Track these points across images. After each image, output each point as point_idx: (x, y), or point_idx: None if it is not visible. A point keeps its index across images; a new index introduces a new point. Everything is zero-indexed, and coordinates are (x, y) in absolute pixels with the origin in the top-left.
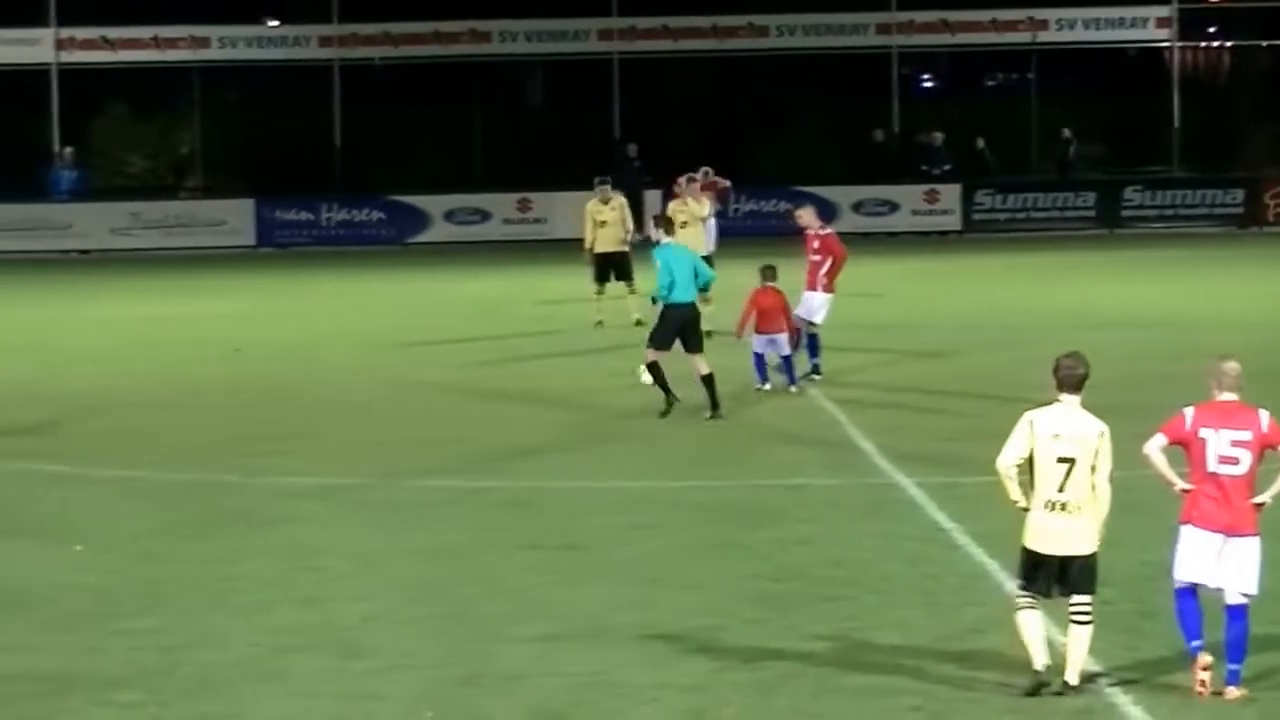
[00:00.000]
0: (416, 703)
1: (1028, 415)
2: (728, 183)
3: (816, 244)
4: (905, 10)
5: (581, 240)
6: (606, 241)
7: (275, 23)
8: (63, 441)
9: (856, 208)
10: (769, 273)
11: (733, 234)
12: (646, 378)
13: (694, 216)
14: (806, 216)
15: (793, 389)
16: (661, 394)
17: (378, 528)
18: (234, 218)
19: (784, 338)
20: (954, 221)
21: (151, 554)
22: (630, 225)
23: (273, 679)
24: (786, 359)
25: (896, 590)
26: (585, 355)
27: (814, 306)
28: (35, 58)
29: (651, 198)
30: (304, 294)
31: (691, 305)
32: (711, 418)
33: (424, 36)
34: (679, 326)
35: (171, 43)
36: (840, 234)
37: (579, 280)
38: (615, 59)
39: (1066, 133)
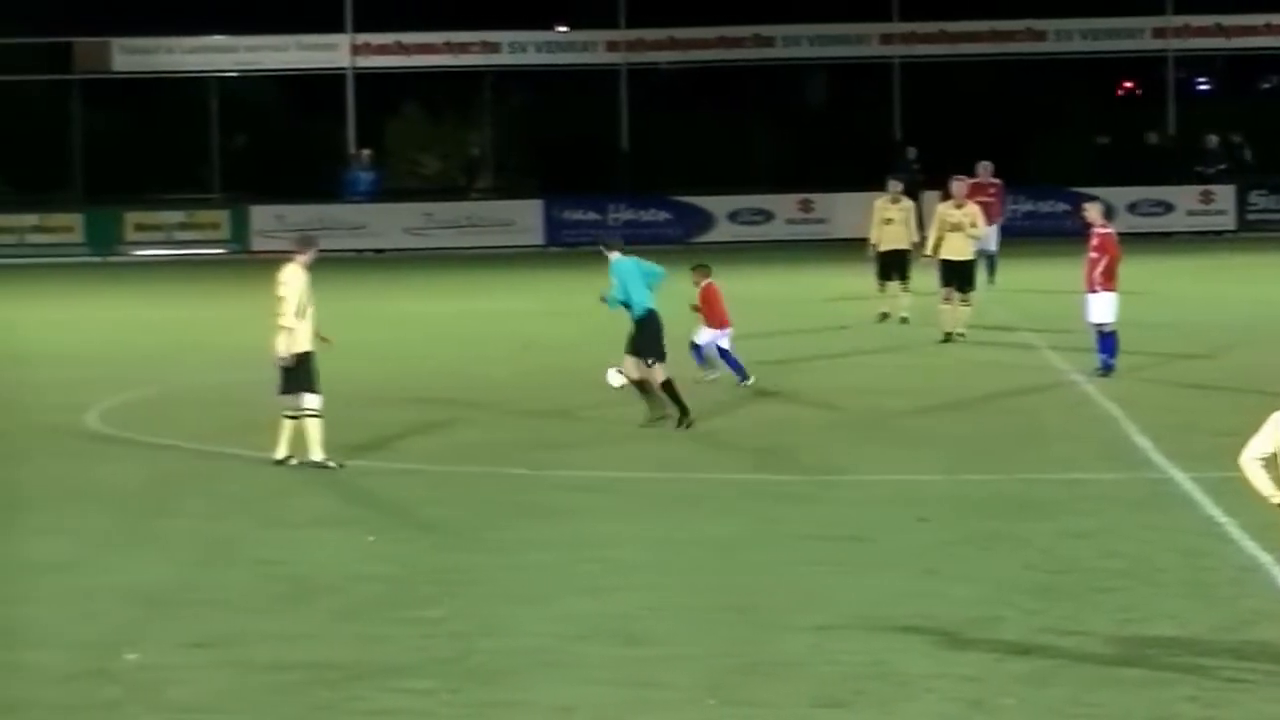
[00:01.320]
0: (699, 691)
1: (1277, 413)
2: (999, 182)
3: (1095, 240)
4: (1181, 14)
5: (864, 239)
6: (892, 240)
7: (564, 28)
8: (355, 434)
9: (1132, 208)
10: (705, 270)
11: (1011, 234)
12: (616, 380)
13: (957, 224)
14: (1093, 212)
15: (711, 378)
16: (674, 406)
17: (662, 519)
18: (523, 218)
19: (730, 332)
20: (1228, 221)
21: (441, 544)
22: (915, 227)
23: (559, 667)
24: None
25: (1171, 582)
26: (866, 352)
27: (1099, 308)
28: (332, 62)
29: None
30: (590, 292)
31: (654, 312)
32: (681, 425)
33: (708, 41)
34: (658, 331)
35: (463, 47)
36: (1117, 234)
37: (860, 279)
38: (895, 63)
39: None
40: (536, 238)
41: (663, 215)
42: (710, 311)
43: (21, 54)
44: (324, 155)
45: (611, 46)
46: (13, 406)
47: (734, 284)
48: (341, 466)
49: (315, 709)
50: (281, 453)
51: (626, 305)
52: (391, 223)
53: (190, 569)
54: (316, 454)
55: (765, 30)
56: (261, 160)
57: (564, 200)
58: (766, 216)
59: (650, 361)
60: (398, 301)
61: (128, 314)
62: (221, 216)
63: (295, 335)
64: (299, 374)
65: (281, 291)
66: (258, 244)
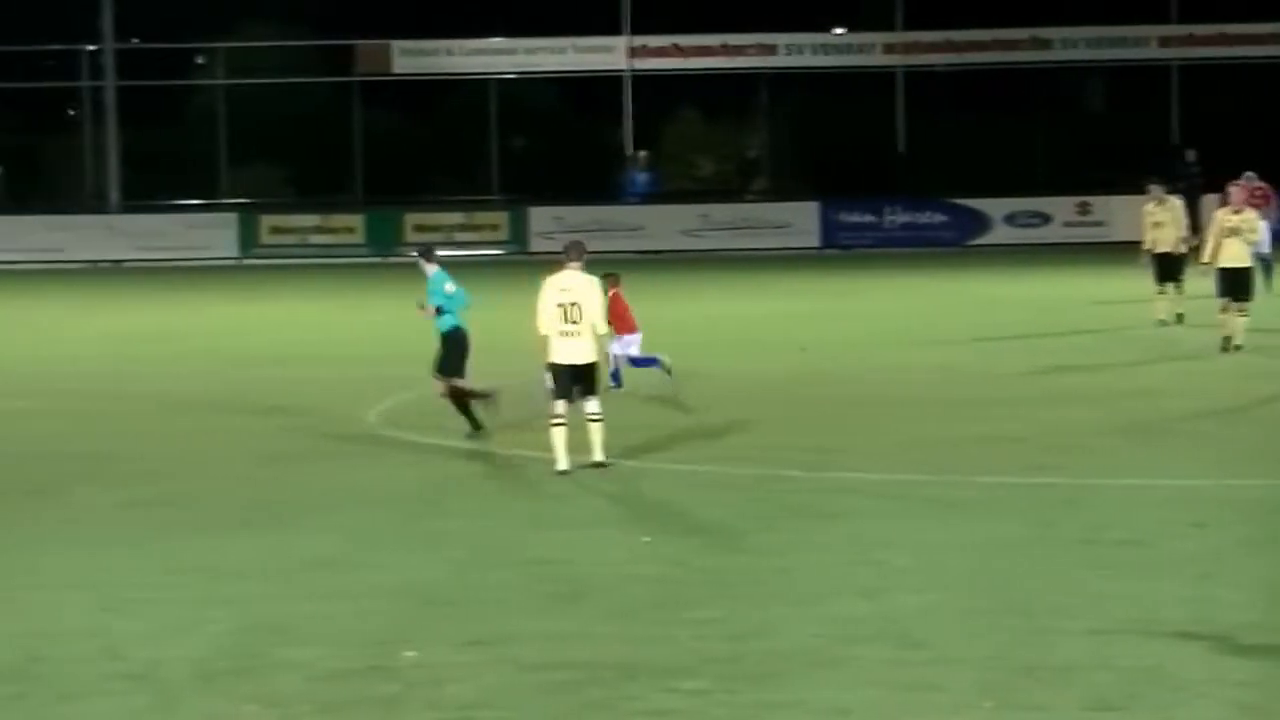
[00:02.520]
0: (974, 694)
1: None
2: (1265, 185)
3: None
4: None
5: (1139, 242)
6: (1163, 242)
7: (841, 30)
8: (629, 435)
9: None
10: (614, 278)
11: None
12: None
13: (1234, 229)
14: None
15: (616, 388)
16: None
17: (936, 522)
18: (799, 220)
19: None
20: None
21: (714, 545)
22: (1185, 228)
23: (833, 668)
24: (639, 359)
25: None
26: (1141, 355)
27: None
28: (610, 65)
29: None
30: (866, 294)
31: (462, 329)
32: (471, 435)
33: (985, 43)
34: (465, 350)
35: (740, 49)
36: None
37: (1136, 282)
38: (1174, 65)
39: None
40: (812, 240)
41: (939, 218)
42: (620, 319)
43: (304, 56)
44: (601, 157)
45: (888, 49)
46: (296, 406)
47: (1011, 287)
48: (610, 465)
49: (589, 708)
50: (562, 465)
51: (440, 311)
52: (668, 224)
53: (465, 568)
54: (597, 454)
55: (1043, 33)
56: (540, 161)
57: (840, 203)
58: (1044, 219)
59: (448, 376)
60: (673, 304)
61: (407, 315)
62: (501, 218)
63: (561, 344)
64: (572, 380)
65: (548, 299)
66: (536, 245)
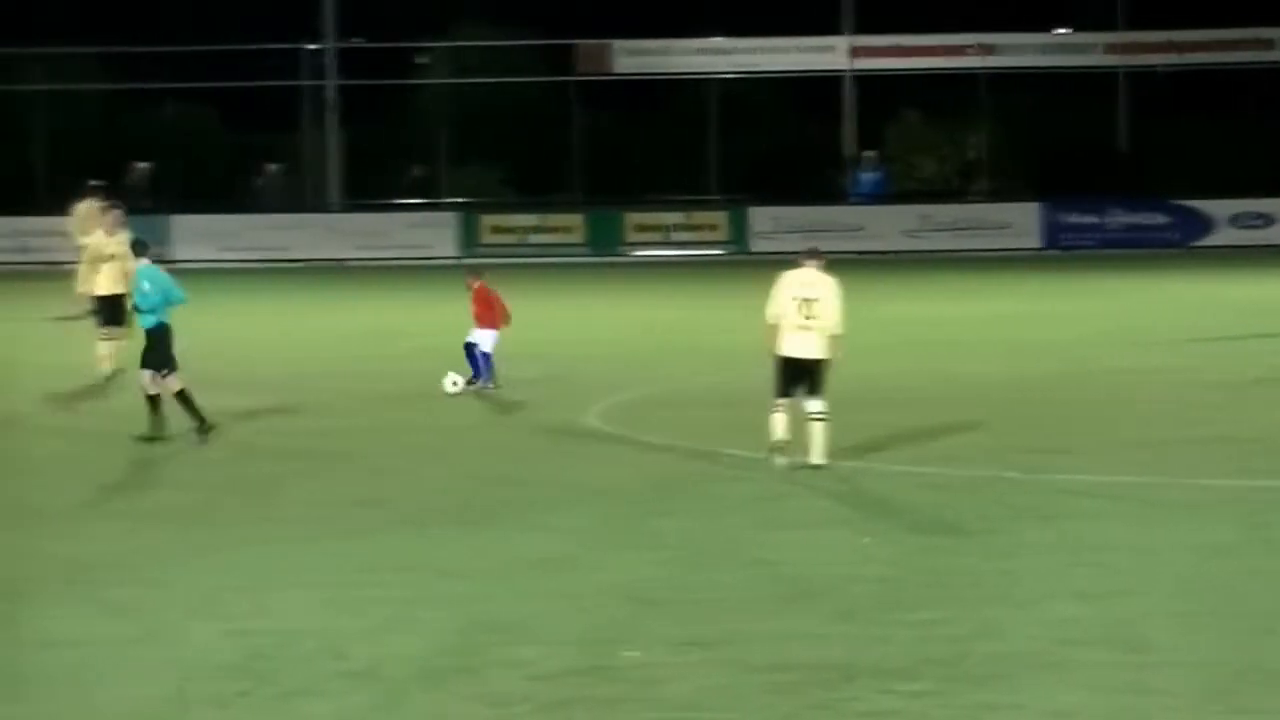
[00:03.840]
0: (1198, 698)
1: None
2: None
3: None
4: None
5: None
6: None
7: (1063, 30)
8: (849, 435)
9: None
10: (477, 272)
11: None
12: (454, 387)
13: None
14: None
15: (489, 386)
16: (192, 416)
17: (1155, 524)
18: (1020, 220)
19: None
20: None
21: (935, 546)
22: None
23: (1055, 671)
24: (487, 356)
25: None
26: None
27: None
28: (831, 64)
29: None
30: (1087, 296)
31: (167, 325)
32: (200, 435)
33: (1207, 44)
34: (170, 342)
35: (961, 50)
36: None
37: None
38: None
39: None
40: (1033, 241)
41: (1161, 219)
42: (487, 312)
43: (524, 55)
44: (822, 157)
45: (1110, 49)
46: (516, 404)
47: (1233, 289)
48: (828, 466)
49: (811, 709)
50: (779, 435)
51: (142, 310)
52: (889, 225)
53: (685, 568)
54: (817, 457)
55: (1265, 33)
56: (760, 162)
57: (1062, 203)
58: (1268, 221)
59: (165, 373)
60: (894, 304)
61: (628, 314)
62: (720, 218)
63: (793, 337)
64: (793, 377)
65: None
66: (756, 245)
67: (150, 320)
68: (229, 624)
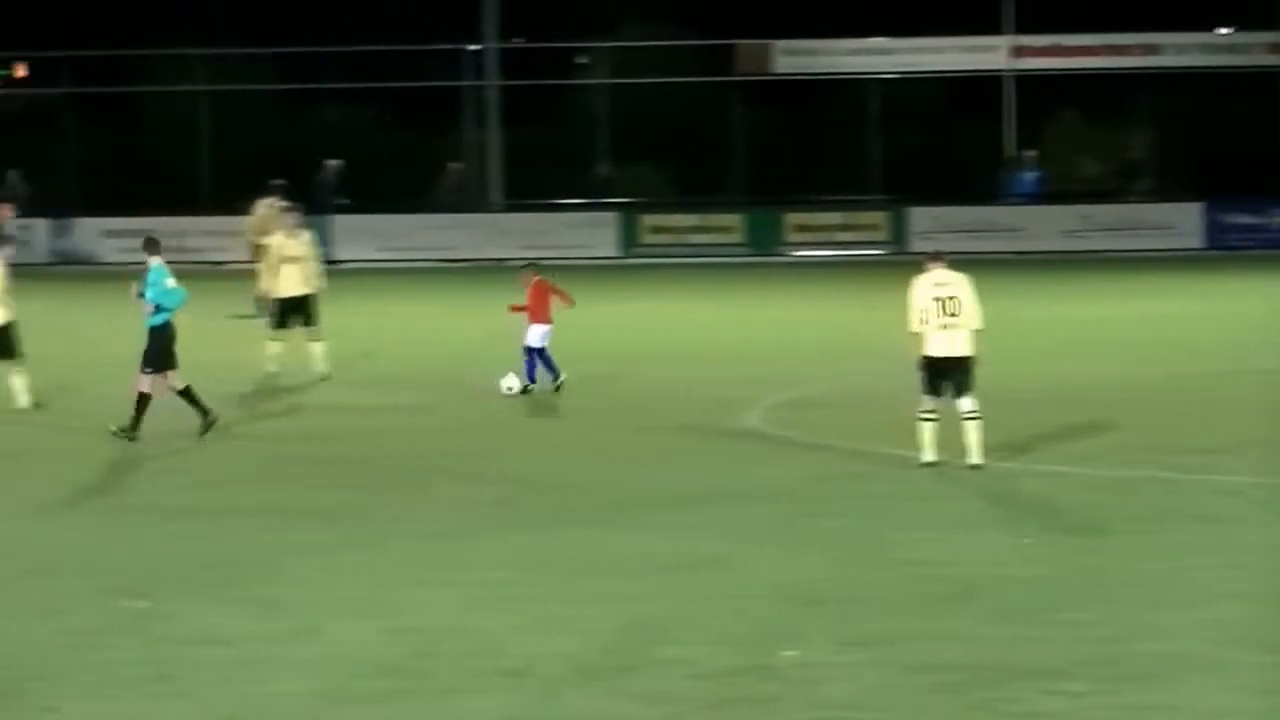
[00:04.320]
0: None
1: None
2: None
3: None
4: None
5: None
6: None
7: (1226, 30)
8: (1005, 435)
9: None
10: (535, 268)
11: None
12: (509, 392)
13: None
14: None
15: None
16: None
17: None
18: (1182, 221)
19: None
20: None
21: (1091, 547)
22: None
23: (1213, 672)
24: (531, 351)
25: None
26: None
27: None
28: (990, 64)
29: None
30: (1249, 296)
31: (171, 324)
32: (206, 428)
33: None
34: (172, 341)
35: (1123, 49)
36: None
37: None
38: None
39: None
40: (1195, 241)
41: None
42: (540, 307)
43: (685, 55)
44: (982, 157)
45: (1273, 49)
46: (675, 404)
47: None
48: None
49: (970, 709)
50: (928, 456)
51: (162, 309)
52: (1049, 225)
53: (844, 568)
54: (974, 457)
55: None
56: (920, 162)
57: (1224, 204)
58: None
59: (157, 371)
60: (1052, 304)
61: (788, 314)
62: (880, 218)
63: (938, 337)
64: (941, 376)
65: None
66: (917, 245)
67: (161, 319)
68: (384, 621)
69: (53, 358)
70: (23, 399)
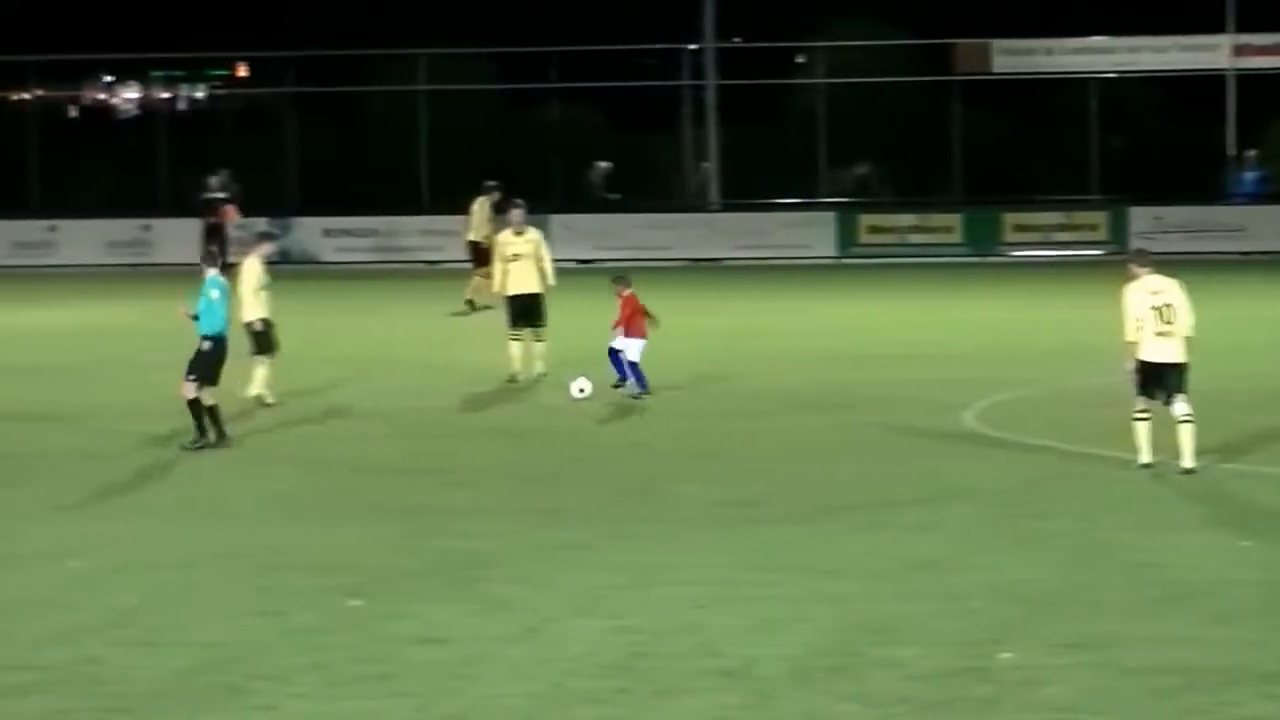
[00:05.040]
0: None
1: None
2: None
3: None
4: None
5: None
6: None
7: None
8: (1224, 437)
9: None
10: (625, 280)
11: None
12: (580, 394)
13: None
14: None
15: (645, 395)
16: (197, 431)
17: None
18: None
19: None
20: None
21: None
22: None
23: None
24: (635, 365)
25: None
26: None
27: None
28: (1212, 63)
29: None
30: None
31: (226, 339)
32: (216, 444)
33: None
34: (223, 358)
35: None
36: None
37: None
38: None
39: None
40: None
41: None
42: (635, 321)
43: (903, 55)
44: (1202, 157)
45: None
46: (892, 404)
47: None
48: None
49: (1187, 713)
50: (1144, 458)
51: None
52: (1271, 225)
53: (1062, 570)
54: (1188, 461)
55: None
56: (1140, 161)
57: None
58: None
59: (194, 379)
60: (1248, 304)
61: (1005, 314)
62: (1100, 218)
63: (1155, 343)
64: (1155, 382)
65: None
66: (1137, 245)
67: (211, 329)
68: (609, 621)
69: (285, 355)
70: (258, 389)
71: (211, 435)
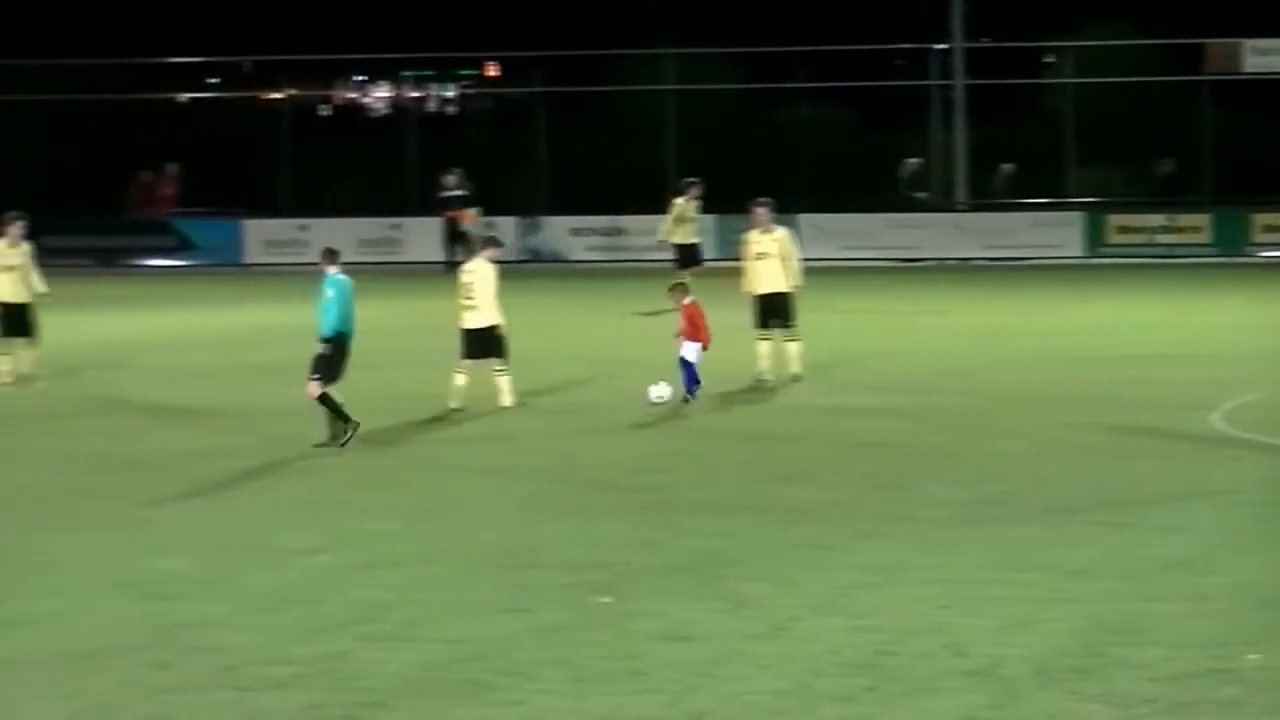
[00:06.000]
0: None
1: None
2: None
3: None
4: None
5: None
6: None
7: None
8: None
9: None
10: (683, 288)
11: None
12: (658, 399)
13: None
14: None
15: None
16: (338, 420)
17: None
18: None
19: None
20: None
21: None
22: None
23: None
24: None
25: None
26: None
27: None
28: None
29: None
30: None
31: (351, 337)
32: (324, 445)
33: None
34: (344, 357)
35: None
36: None
37: None
38: None
39: None
40: None
41: None
42: (694, 328)
43: (1149, 54)
44: None
45: None
46: (1137, 405)
47: None
48: None
49: None
50: None
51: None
52: None
53: None
54: None
55: None
56: None
57: None
58: None
59: (316, 378)
60: None
61: (1253, 315)
62: None
63: None
64: None
65: None
66: None
67: (324, 328)
68: (855, 620)
69: (532, 354)
70: (506, 399)
71: (349, 427)
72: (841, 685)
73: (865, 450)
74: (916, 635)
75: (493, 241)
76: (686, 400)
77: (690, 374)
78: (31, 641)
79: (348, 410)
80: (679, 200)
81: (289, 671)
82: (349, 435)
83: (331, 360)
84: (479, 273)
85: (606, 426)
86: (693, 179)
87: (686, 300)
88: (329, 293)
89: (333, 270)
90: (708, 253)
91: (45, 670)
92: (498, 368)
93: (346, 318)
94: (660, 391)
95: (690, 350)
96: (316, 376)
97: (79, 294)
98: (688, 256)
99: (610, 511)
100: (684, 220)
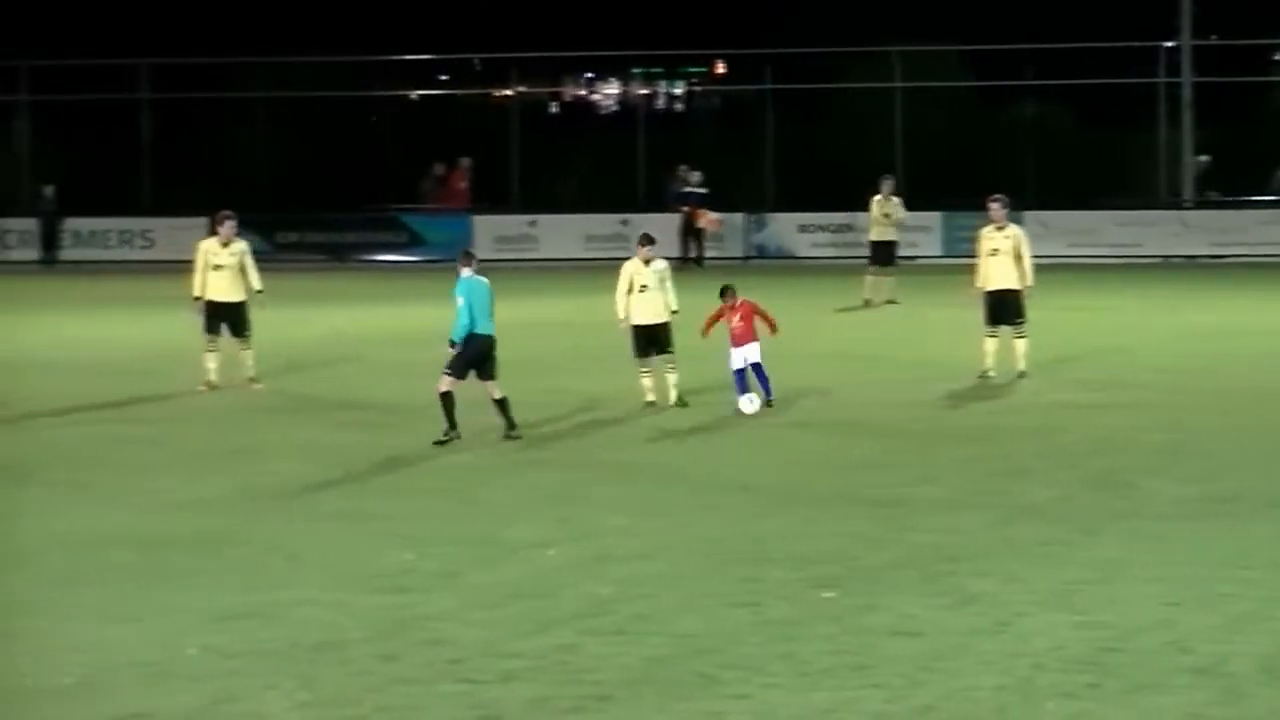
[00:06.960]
0: None
1: None
2: None
3: None
4: None
5: None
6: None
7: None
8: None
9: None
10: (732, 291)
11: None
12: (749, 407)
13: None
14: None
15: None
16: (446, 424)
17: None
18: None
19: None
20: None
21: None
22: None
23: None
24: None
25: None
26: None
27: None
28: None
29: None
30: None
31: (490, 337)
32: (507, 437)
33: None
34: (478, 356)
35: None
36: None
37: None
38: None
39: None
40: None
41: None
42: (748, 330)
43: None
44: None
45: None
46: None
47: None
48: None
49: None
50: None
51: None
52: None
53: None
54: None
55: None
56: None
57: None
58: None
59: (458, 377)
60: None
61: None
62: None
63: None
64: None
65: None
66: None
67: (461, 329)
68: (1079, 617)
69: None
70: (667, 395)
71: (453, 433)
72: (1065, 681)
73: (1087, 446)
74: (1141, 632)
75: (647, 240)
76: (769, 404)
77: (763, 376)
78: (266, 632)
79: (498, 413)
80: (876, 198)
81: (517, 665)
82: (447, 440)
83: (462, 360)
84: (629, 270)
85: (829, 423)
86: (887, 175)
87: (738, 302)
88: (459, 300)
89: (466, 272)
90: (931, 250)
91: (278, 661)
92: (669, 364)
93: (480, 319)
94: (752, 397)
95: (755, 351)
96: (449, 372)
97: (311, 289)
98: (882, 254)
99: (836, 507)
100: (882, 218)
